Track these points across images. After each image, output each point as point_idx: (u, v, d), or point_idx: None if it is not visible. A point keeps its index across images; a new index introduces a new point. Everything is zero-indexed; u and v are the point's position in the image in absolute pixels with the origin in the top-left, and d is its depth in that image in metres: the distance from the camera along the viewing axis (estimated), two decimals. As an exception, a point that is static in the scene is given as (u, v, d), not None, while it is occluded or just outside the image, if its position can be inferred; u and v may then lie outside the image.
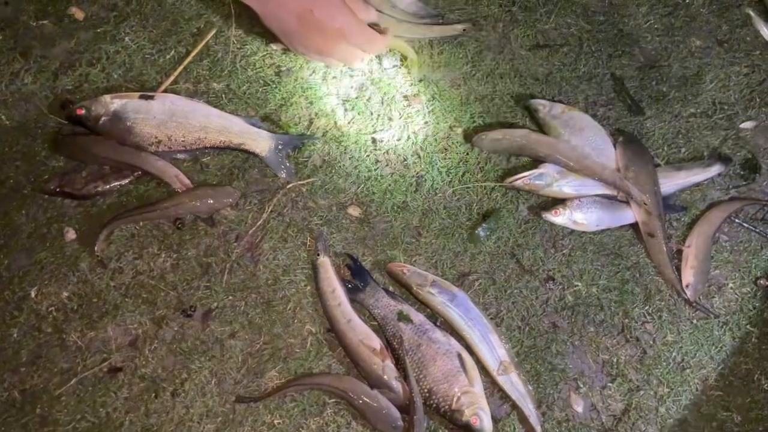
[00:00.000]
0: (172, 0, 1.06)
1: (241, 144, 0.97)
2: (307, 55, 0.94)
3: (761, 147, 0.98)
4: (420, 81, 1.03)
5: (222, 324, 0.91)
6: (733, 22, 1.05)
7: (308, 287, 0.93)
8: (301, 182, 0.98)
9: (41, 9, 1.05)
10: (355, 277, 0.92)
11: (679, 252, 0.93)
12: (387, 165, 0.99)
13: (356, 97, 1.02)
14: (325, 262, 0.92)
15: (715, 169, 0.96)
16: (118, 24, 1.04)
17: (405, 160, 0.99)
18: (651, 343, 0.90)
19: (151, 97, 0.97)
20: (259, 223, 0.95)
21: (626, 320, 0.91)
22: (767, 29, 1.00)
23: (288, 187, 0.97)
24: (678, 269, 0.92)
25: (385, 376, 0.86)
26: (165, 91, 1.01)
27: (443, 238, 0.95)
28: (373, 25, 0.93)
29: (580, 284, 0.93)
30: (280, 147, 0.97)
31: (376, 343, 0.87)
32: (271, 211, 0.96)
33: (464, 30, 1.03)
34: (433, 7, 1.06)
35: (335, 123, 1.01)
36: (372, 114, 1.01)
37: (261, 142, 0.97)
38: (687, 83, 1.02)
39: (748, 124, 0.99)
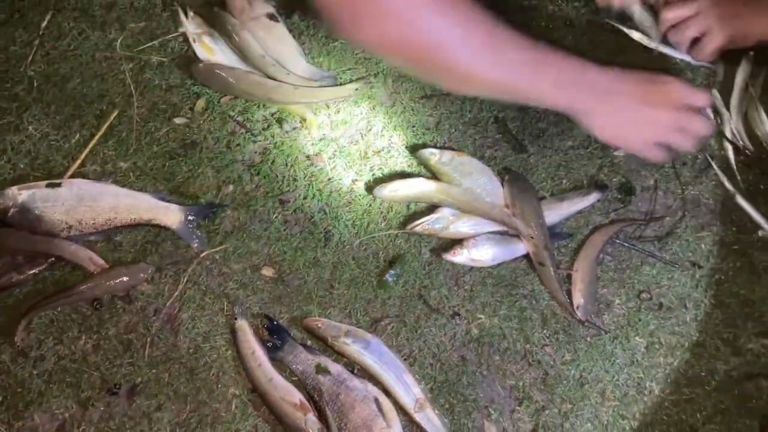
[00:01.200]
0: (72, 85, 1.10)
1: (152, 219, 1.01)
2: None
3: (633, 171, 1.08)
4: (320, 140, 1.09)
5: (148, 398, 0.94)
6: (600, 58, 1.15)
7: (229, 351, 0.97)
8: (214, 250, 1.02)
9: (-60, 106, 1.07)
10: (273, 336, 0.97)
11: (569, 276, 1.01)
12: (296, 224, 1.05)
13: (261, 162, 1.08)
14: (242, 325, 0.97)
15: (594, 196, 1.05)
16: (20, 114, 1.07)
17: (312, 217, 1.05)
18: (551, 363, 0.98)
19: (59, 185, 1.00)
20: (176, 294, 0.99)
21: (527, 345, 0.99)
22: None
23: (201, 256, 1.01)
24: (569, 293, 1.00)
25: (309, 429, 0.90)
26: (73, 175, 1.04)
27: (354, 287, 1.01)
28: None
29: (483, 317, 1.00)
30: (190, 218, 1.02)
31: (297, 398, 0.92)
32: (187, 282, 1.00)
33: (356, 90, 1.10)
34: (327, 70, 1.13)
35: (242, 188, 1.06)
36: (277, 176, 1.07)
37: (171, 215, 1.01)
38: (563, 119, 1.11)
39: (619, 152, 1.09)
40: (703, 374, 0.97)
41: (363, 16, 0.73)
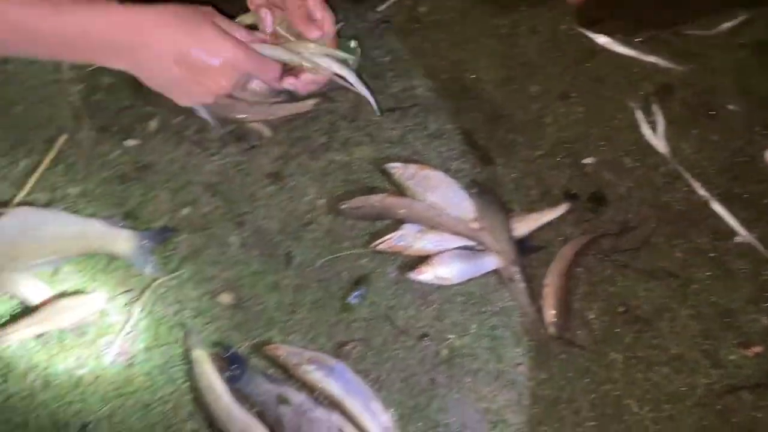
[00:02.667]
0: (18, 110, 1.06)
1: (102, 247, 0.96)
2: (204, 100, 0.88)
3: (605, 179, 1.05)
4: (279, 158, 1.05)
5: (99, 437, 0.89)
6: (565, 64, 1.12)
7: (186, 384, 0.92)
8: (169, 276, 0.97)
9: None
10: (232, 366, 0.92)
11: (540, 291, 0.97)
12: (254, 246, 1.00)
13: (218, 182, 1.04)
14: (200, 355, 0.92)
15: (563, 207, 1.01)
16: (-37, 141, 1.02)
17: (272, 239, 1.01)
18: (526, 383, 0.94)
19: (1, 214, 0.95)
20: (129, 325, 0.94)
21: (500, 365, 0.94)
22: None
23: (156, 283, 0.97)
24: (540, 308, 0.96)
25: (271, 464, 0.85)
26: (20, 204, 0.99)
27: (317, 310, 0.97)
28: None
29: (453, 336, 0.96)
30: (143, 244, 0.97)
31: None
32: (141, 311, 0.95)
33: (315, 104, 1.06)
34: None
35: (199, 211, 1.02)
36: (235, 197, 1.03)
37: (121, 242, 0.96)
38: (532, 127, 1.08)
39: (589, 160, 1.06)
40: (683, 389, 0.93)
41: None
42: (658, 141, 1.07)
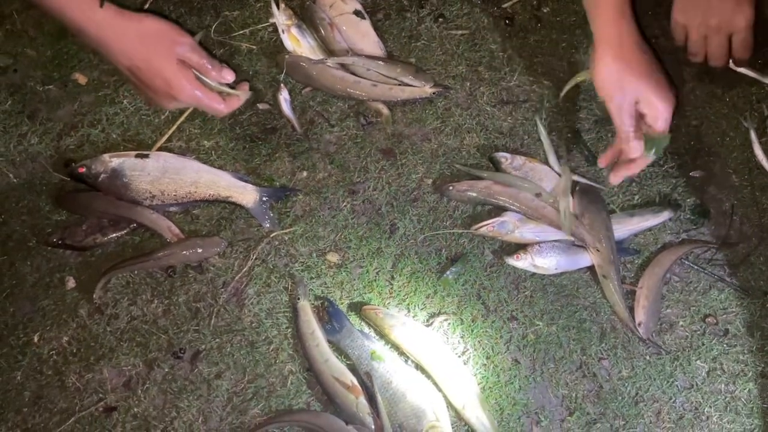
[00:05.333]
0: (166, 65, 1.16)
1: (229, 197, 1.06)
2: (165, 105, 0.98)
3: (710, 193, 1.06)
4: (394, 136, 1.12)
5: (209, 365, 0.99)
6: (683, 77, 1.14)
7: (289, 329, 1.01)
8: (284, 231, 1.06)
9: (47, 75, 1.15)
10: (332, 320, 0.99)
11: (633, 292, 1.00)
12: (363, 214, 1.07)
13: (335, 152, 1.11)
14: (304, 305, 1.00)
15: (666, 215, 1.03)
16: (117, 88, 1.14)
17: (379, 209, 1.07)
18: (607, 378, 0.97)
19: (147, 156, 1.06)
20: (245, 270, 1.03)
21: (584, 357, 0.98)
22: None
23: (271, 236, 1.05)
24: (631, 309, 0.99)
25: (359, 413, 0.92)
26: (159, 149, 1.10)
27: (414, 281, 1.03)
28: (230, 86, 1.00)
29: (541, 323, 1.00)
30: (264, 199, 1.06)
31: (350, 380, 0.94)
32: (256, 259, 1.04)
33: (433, 93, 1.12)
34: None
35: (315, 176, 1.10)
36: (349, 167, 1.10)
37: (247, 194, 1.06)
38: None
39: (697, 173, 1.07)
40: (765, 406, 0.94)
41: None
42: (768, 164, 1.07)
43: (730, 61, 1.03)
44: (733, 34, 1.01)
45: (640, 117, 0.94)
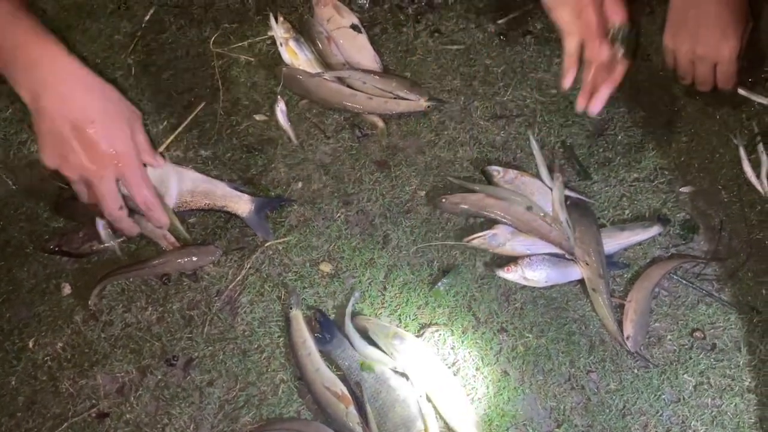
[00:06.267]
0: (166, 75, 1.18)
1: (224, 206, 1.07)
2: (62, 170, 0.92)
3: (699, 209, 1.07)
4: (389, 148, 1.13)
5: (202, 372, 1.00)
6: (675, 94, 1.15)
7: (281, 338, 1.02)
8: (278, 241, 1.07)
9: (49, 84, 1.17)
10: (324, 330, 1.00)
11: (622, 306, 1.01)
12: (356, 225, 1.09)
13: (330, 163, 1.13)
14: (297, 315, 1.01)
15: (655, 230, 1.05)
16: (117, 97, 1.16)
17: (373, 220, 1.09)
18: (595, 390, 0.98)
19: (144, 165, 1.08)
20: (239, 278, 1.05)
21: (572, 369, 0.99)
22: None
23: (266, 245, 1.07)
24: (620, 322, 1.00)
25: (349, 422, 0.93)
26: (158, 158, 1.12)
27: (406, 292, 1.04)
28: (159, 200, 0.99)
29: (530, 335, 1.01)
30: (259, 209, 1.07)
31: (341, 389, 0.95)
32: (250, 268, 1.05)
33: (428, 107, 1.14)
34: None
35: (311, 186, 1.11)
36: (344, 178, 1.12)
37: (242, 204, 1.07)
38: (631, 150, 1.12)
39: (686, 189, 1.09)
40: (752, 421, 0.95)
41: None
42: (758, 180, 1.08)
43: (738, 87, 1.07)
44: (718, 63, 1.03)
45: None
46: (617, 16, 0.95)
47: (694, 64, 1.06)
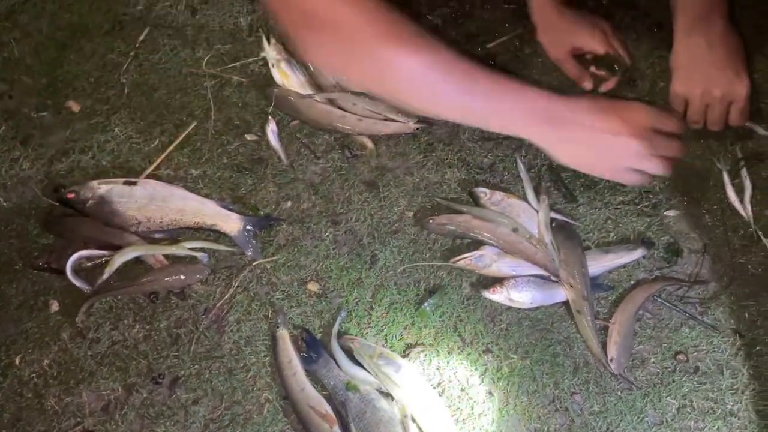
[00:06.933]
0: (159, 95, 1.20)
1: (213, 225, 1.08)
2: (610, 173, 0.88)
3: (683, 233, 1.09)
4: (377, 169, 1.15)
5: (187, 391, 1.00)
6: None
7: (267, 357, 1.02)
8: (266, 260, 1.08)
9: (42, 102, 1.19)
10: (310, 349, 1.01)
11: (606, 328, 1.02)
12: (345, 244, 1.10)
13: (320, 183, 1.14)
14: (283, 334, 1.02)
15: (639, 252, 1.06)
16: (109, 116, 1.18)
17: (361, 240, 1.10)
18: (579, 412, 0.98)
19: (134, 183, 1.09)
20: (226, 297, 1.05)
21: (556, 391, 0.99)
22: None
23: (254, 264, 1.07)
24: (604, 345, 1.01)
25: (333, 442, 0.94)
26: (148, 177, 1.13)
27: (393, 312, 1.05)
28: None
29: (515, 356, 1.02)
30: (248, 228, 1.08)
31: (326, 408, 0.95)
32: (237, 286, 1.06)
33: (417, 129, 1.15)
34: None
35: (300, 206, 1.12)
36: (333, 198, 1.13)
37: (231, 223, 1.08)
38: (617, 173, 1.13)
39: (671, 212, 1.10)
40: (733, 444, 0.95)
41: (330, 44, 0.75)
42: (741, 205, 1.10)
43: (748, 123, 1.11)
44: (733, 102, 1.05)
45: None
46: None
47: (708, 107, 1.08)
